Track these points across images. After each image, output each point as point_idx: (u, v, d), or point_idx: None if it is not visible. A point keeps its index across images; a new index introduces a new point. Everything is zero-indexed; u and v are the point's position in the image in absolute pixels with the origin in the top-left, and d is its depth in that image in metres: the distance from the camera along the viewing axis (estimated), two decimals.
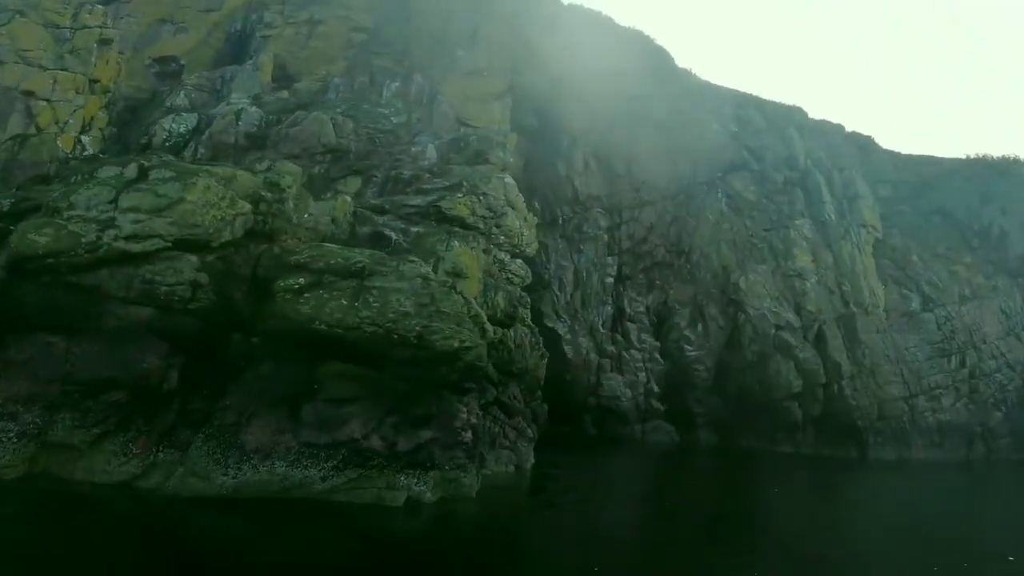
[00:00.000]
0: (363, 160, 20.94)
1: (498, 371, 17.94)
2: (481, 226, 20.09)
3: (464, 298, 16.52)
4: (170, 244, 14.99)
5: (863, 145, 48.18)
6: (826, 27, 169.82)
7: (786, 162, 40.58)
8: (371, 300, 14.65)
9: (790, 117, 44.18)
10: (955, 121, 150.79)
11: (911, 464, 35.32)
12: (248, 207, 16.11)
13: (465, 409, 14.70)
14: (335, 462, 13.74)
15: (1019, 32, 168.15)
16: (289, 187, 16.82)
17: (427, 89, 35.29)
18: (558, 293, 37.96)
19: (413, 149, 21.43)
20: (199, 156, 21.91)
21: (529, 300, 20.20)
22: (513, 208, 21.80)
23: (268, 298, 14.97)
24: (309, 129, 22.04)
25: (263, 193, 16.50)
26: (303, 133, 21.89)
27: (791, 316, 36.86)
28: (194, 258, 15.13)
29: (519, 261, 20.91)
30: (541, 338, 19.97)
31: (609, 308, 38.08)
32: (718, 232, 38.38)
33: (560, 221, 39.87)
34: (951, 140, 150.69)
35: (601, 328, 37.75)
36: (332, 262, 15.80)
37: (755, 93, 44.71)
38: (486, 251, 19.41)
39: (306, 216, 16.76)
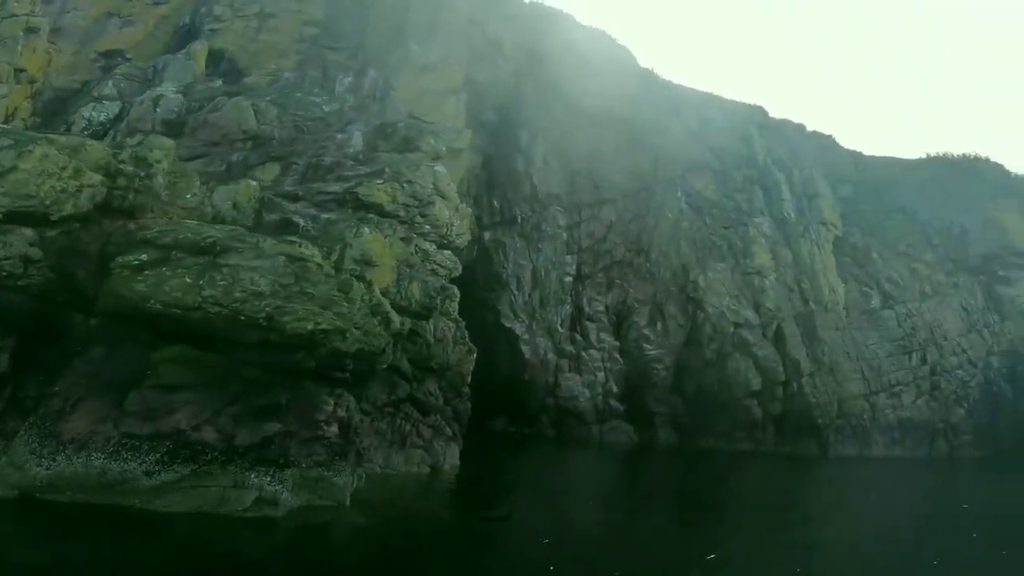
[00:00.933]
0: (286, 147, 19.26)
1: (413, 366, 16.30)
2: (402, 214, 18.53)
3: (366, 286, 14.85)
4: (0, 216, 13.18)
5: (824, 145, 47.06)
6: (788, 27, 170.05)
7: (746, 161, 39.34)
8: (218, 278, 12.89)
9: (751, 117, 43.00)
10: (917, 121, 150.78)
11: (872, 461, 33.89)
12: (98, 179, 14.30)
13: (332, 401, 12.86)
14: (159, 455, 11.90)
15: (980, 31, 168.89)
16: (158, 162, 15.06)
17: (380, 84, 33.59)
18: (516, 292, 36.37)
19: (339, 136, 19.79)
20: None
21: (457, 293, 18.56)
22: (444, 198, 20.25)
23: (107, 275, 13.17)
24: (229, 115, 20.39)
25: (122, 166, 14.73)
26: (222, 119, 20.23)
27: (750, 314, 35.50)
28: (29, 232, 13.36)
29: (447, 252, 19.34)
30: (467, 332, 18.26)
31: (568, 307, 36.54)
32: (678, 230, 36.98)
33: (519, 219, 38.33)
34: (912, 140, 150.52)
35: (560, 328, 36.18)
36: (181, 237, 13.98)
37: (717, 93, 43.52)
38: (405, 240, 17.84)
39: (188, 196, 15.04)
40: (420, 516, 13.69)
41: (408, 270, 17.29)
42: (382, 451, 15.48)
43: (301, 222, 16.84)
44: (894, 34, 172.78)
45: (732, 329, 35.18)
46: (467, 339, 18.30)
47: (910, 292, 41.92)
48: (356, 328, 13.57)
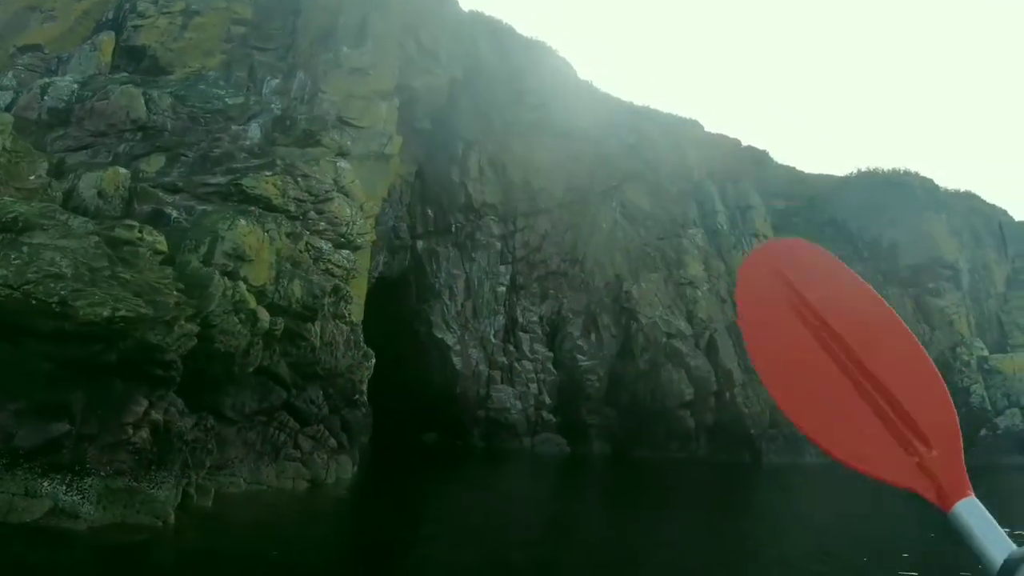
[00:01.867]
0: (178, 138, 17.54)
1: (294, 371, 14.63)
2: (292, 209, 16.97)
3: (227, 280, 13.17)
4: None
5: (758, 159, 46.79)
6: (726, 44, 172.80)
7: (681, 173, 38.42)
8: (13, 257, 11.06)
9: (686, 130, 42.33)
10: (850, 135, 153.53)
11: (804, 469, 33.01)
12: None
13: (146, 403, 11.07)
14: None
15: (909, 48, 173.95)
16: None
17: (308, 86, 31.88)
18: (448, 303, 34.90)
19: (234, 128, 18.15)
20: None
21: (351, 294, 16.92)
22: (346, 195, 18.69)
23: None
24: (117, 103, 18.62)
25: None
26: (110, 107, 18.45)
27: (683, 324, 34.57)
28: None
29: (345, 252, 17.79)
30: (357, 337, 16.61)
31: (501, 318, 35.15)
32: (612, 240, 35.98)
33: (453, 228, 36.80)
34: (845, 154, 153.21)
35: (493, 338, 34.75)
36: None
37: (653, 107, 42.71)
38: (293, 236, 16.20)
39: (32, 178, 13.25)
40: (266, 537, 11.79)
41: (291, 268, 15.68)
42: (249, 464, 13.74)
43: (174, 213, 15.15)
44: (829, 50, 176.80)
45: (665, 339, 34.19)
46: (362, 344, 16.68)
47: None
48: (188, 321, 11.84)
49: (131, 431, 10.61)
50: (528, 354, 34.99)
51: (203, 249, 14.00)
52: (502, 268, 36.54)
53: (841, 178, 50.59)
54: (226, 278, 13.44)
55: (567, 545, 13.00)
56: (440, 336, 34.51)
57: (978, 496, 1.06)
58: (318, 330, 15.62)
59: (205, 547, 10.83)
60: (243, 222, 14.84)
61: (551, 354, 35.42)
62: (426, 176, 38.14)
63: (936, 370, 1.04)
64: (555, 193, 38.00)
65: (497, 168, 38.62)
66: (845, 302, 1.14)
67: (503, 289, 36.05)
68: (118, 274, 11.32)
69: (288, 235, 16.25)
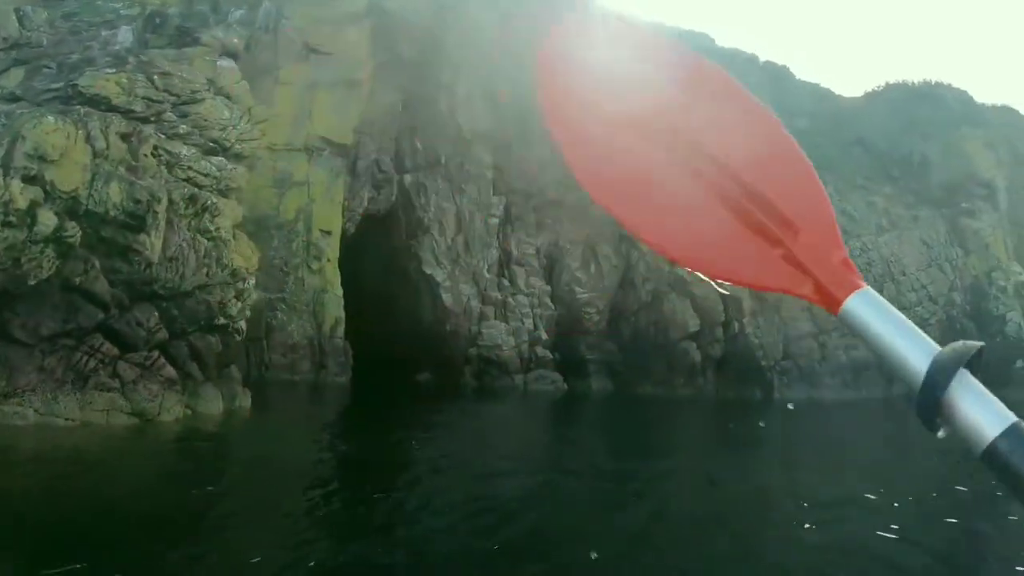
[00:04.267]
0: (48, 51, 14.33)
1: (121, 288, 11.47)
2: (138, 109, 13.60)
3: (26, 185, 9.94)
4: None
5: (778, 75, 41.69)
6: None
7: None
8: None
9: (696, 44, 36.99)
10: (876, 49, 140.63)
11: (820, 405, 29.01)
12: None
13: None
14: None
15: None
16: None
17: (273, 13, 28.14)
18: (438, 238, 31.53)
19: (104, 33, 14.83)
20: None
21: (218, 206, 13.62)
22: (228, 97, 15.24)
23: None
24: None
25: None
26: None
27: None
28: None
29: (217, 159, 14.40)
30: (220, 253, 13.24)
31: (495, 251, 31.66)
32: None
33: (442, 160, 33.01)
34: (872, 71, 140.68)
35: (486, 273, 31.29)
36: None
37: (658, 20, 37.72)
38: (128, 137, 12.85)
39: None
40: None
41: (111, 171, 12.41)
42: (43, 393, 10.77)
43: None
44: None
45: (668, 267, 30.10)
46: (226, 261, 13.41)
47: (867, 226, 36.74)
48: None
49: None
50: (523, 288, 31.50)
51: (2, 152, 10.91)
52: (495, 199, 32.87)
53: (868, 93, 44.77)
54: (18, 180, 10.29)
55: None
56: (430, 272, 31.29)
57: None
58: (156, 243, 12.41)
59: None
60: (50, 120, 11.68)
61: (548, 288, 31.88)
62: (413, 107, 34.35)
63: (790, 137, 0.84)
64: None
65: (488, 94, 34.45)
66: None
67: (496, 221, 32.45)
68: None
69: (122, 136, 13.00)
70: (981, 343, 0.68)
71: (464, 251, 32.32)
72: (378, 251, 34.10)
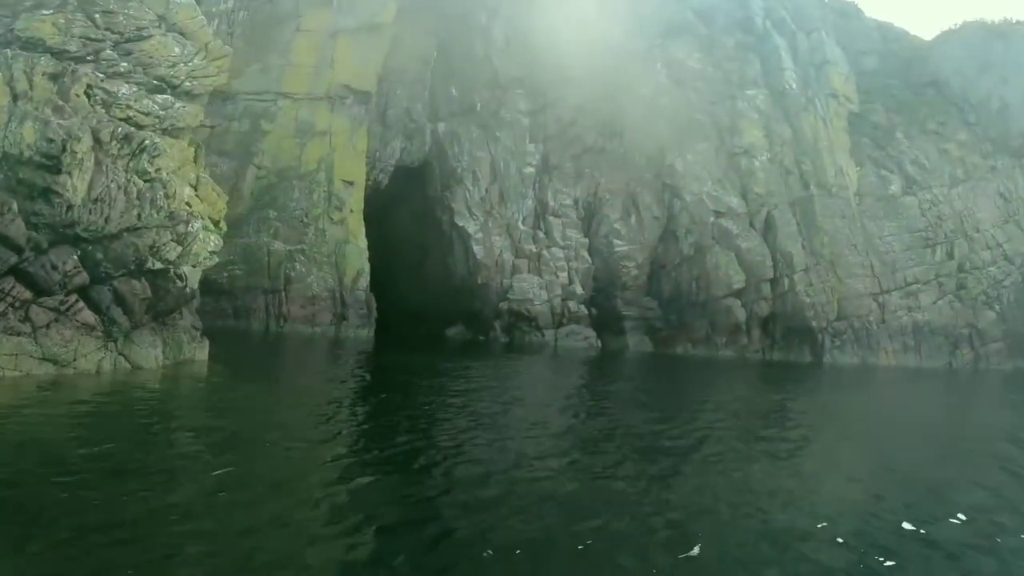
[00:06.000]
0: None
1: (39, 231, 9.60)
2: (75, 48, 11.66)
3: None
4: None
5: (845, 11, 37.10)
6: None
7: (739, 24, 30.06)
8: None
9: None
10: None
11: (875, 370, 25.74)
12: None
13: None
14: None
15: None
16: None
17: None
18: (471, 188, 29.35)
19: None
20: None
21: (159, 146, 11.57)
22: (182, 33, 13.11)
23: None
24: None
25: None
26: None
27: (735, 201, 27.47)
28: None
29: (163, 97, 12.50)
30: (155, 194, 11.14)
31: (530, 202, 29.24)
32: (655, 108, 28.73)
33: (477, 107, 30.46)
34: (948, 11, 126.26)
35: (521, 224, 28.90)
36: None
37: None
38: (61, 77, 10.90)
39: None
40: None
41: (31, 111, 10.45)
42: None
43: None
44: None
45: (712, 218, 27.11)
46: (161, 202, 11.37)
47: (938, 176, 32.50)
48: None
49: None
50: (559, 241, 28.99)
51: None
52: (530, 147, 30.21)
53: (943, 32, 39.54)
54: None
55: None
56: (462, 224, 29.14)
57: None
58: (79, 184, 10.51)
59: None
60: None
61: (586, 240, 29.31)
62: (449, 53, 31.72)
63: None
64: (589, 59, 30.49)
65: (523, 38, 31.47)
66: None
67: (531, 170, 29.85)
68: None
69: (51, 76, 11.07)
70: None
71: (498, 202, 29.91)
72: (412, 203, 32.08)
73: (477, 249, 28.77)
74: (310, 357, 19.19)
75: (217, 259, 15.26)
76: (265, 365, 16.22)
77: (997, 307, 31.68)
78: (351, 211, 25.78)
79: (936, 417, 16.80)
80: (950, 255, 31.69)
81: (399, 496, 6.54)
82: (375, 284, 26.67)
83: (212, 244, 14.27)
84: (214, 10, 28.07)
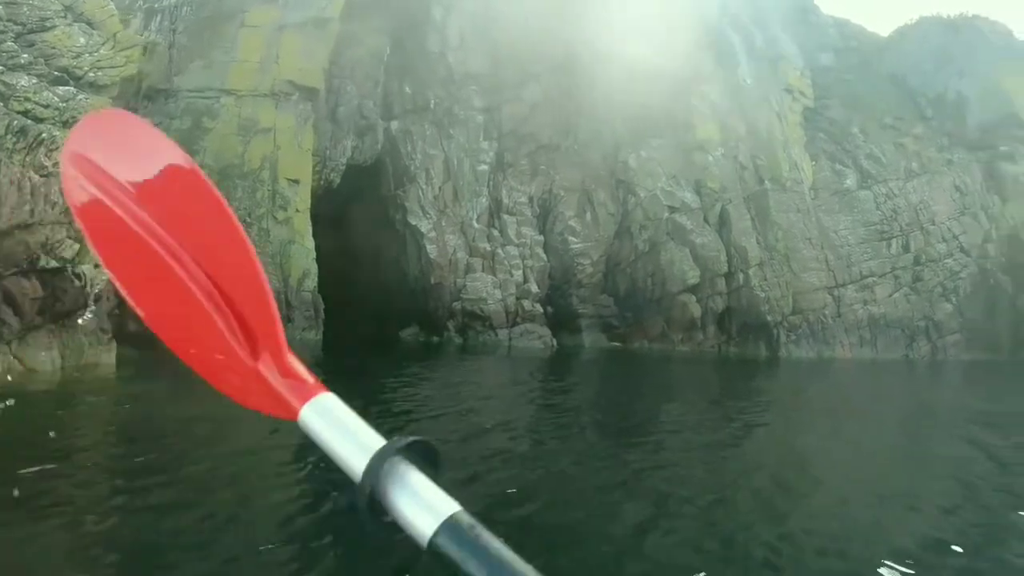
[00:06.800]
0: None
1: None
2: None
3: None
4: None
5: (802, 8, 36.56)
6: None
7: (697, 20, 29.24)
8: None
9: None
10: None
11: (831, 364, 25.30)
12: None
13: None
14: None
15: None
16: None
17: None
18: (424, 186, 28.41)
19: None
20: None
21: (57, 139, 10.83)
22: (89, 23, 12.33)
23: None
24: None
25: None
26: None
27: (689, 196, 26.88)
28: None
29: (64, 89, 11.60)
30: (49, 190, 10.28)
31: (484, 200, 28.50)
32: (610, 105, 27.88)
33: (432, 104, 29.60)
34: (905, 9, 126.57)
35: (475, 223, 28.05)
36: None
37: None
38: None
39: None
40: None
41: None
42: None
43: None
44: None
45: (666, 215, 26.46)
46: (63, 201, 10.61)
47: (894, 170, 32.27)
48: None
49: None
50: (514, 239, 28.28)
51: None
52: (484, 144, 29.48)
53: (900, 28, 39.43)
54: None
55: None
56: (415, 223, 28.31)
57: None
58: None
59: None
60: None
61: (541, 238, 28.60)
62: (404, 50, 30.90)
63: (250, 249, 0.75)
64: (546, 56, 29.89)
65: (481, 33, 30.77)
66: (156, 180, 0.81)
67: (486, 168, 29.13)
68: None
69: None
70: (418, 437, 0.64)
71: (452, 200, 29.16)
72: (366, 203, 31.21)
73: (430, 248, 28.00)
74: None
75: None
76: (186, 374, 15.29)
77: (954, 299, 31.47)
78: (297, 211, 24.86)
79: (911, 404, 16.30)
80: (906, 248, 31.44)
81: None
82: (331, 286, 25.78)
83: None
84: (156, 6, 27.18)
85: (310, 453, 7.39)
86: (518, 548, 0.61)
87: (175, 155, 0.84)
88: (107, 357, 12.16)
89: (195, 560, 4.50)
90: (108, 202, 0.83)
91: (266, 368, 0.71)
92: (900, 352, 28.73)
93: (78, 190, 0.85)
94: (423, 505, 0.61)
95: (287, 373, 0.70)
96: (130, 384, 11.77)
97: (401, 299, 29.05)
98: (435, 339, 27.73)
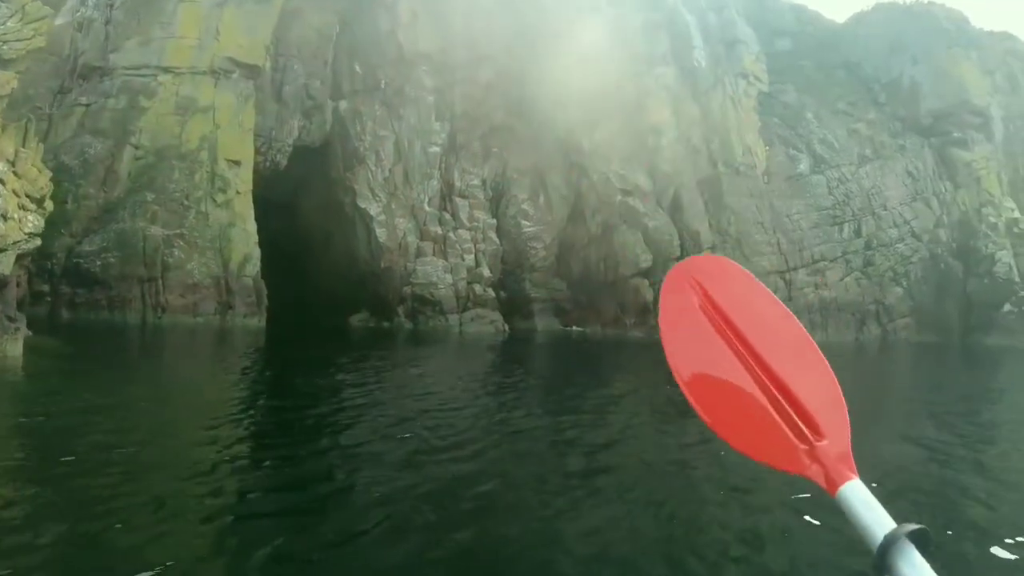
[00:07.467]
0: None
1: None
2: None
3: None
4: None
5: None
6: None
7: (650, 2, 28.63)
8: None
9: None
10: None
11: None
12: None
13: None
14: None
15: None
16: None
17: None
18: (374, 169, 27.46)
19: None
20: None
21: None
22: None
23: None
24: None
25: None
26: None
27: (641, 179, 26.38)
28: None
29: None
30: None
31: (436, 183, 27.63)
32: (564, 88, 27.14)
33: (382, 84, 28.59)
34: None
35: (426, 206, 27.22)
36: None
37: None
38: None
39: None
40: None
41: None
42: None
43: None
44: None
45: (619, 198, 25.97)
46: None
47: (847, 155, 32.20)
48: None
49: None
50: (466, 222, 27.59)
51: None
52: (436, 126, 28.66)
53: (856, 14, 39.33)
54: None
55: None
56: (364, 206, 27.38)
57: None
58: None
59: None
60: None
61: (493, 221, 27.93)
62: (354, 29, 29.84)
63: (829, 367, 0.98)
64: (500, 37, 29.08)
65: (433, 12, 29.82)
66: (753, 310, 1.08)
67: (437, 150, 28.32)
68: None
69: None
70: (922, 526, 0.79)
71: (403, 183, 28.31)
72: (314, 185, 30.20)
73: (380, 232, 27.16)
74: (172, 352, 17.22)
75: (39, 242, 13.38)
76: (106, 361, 14.30)
77: (904, 283, 31.62)
78: (238, 192, 23.83)
79: (879, 384, 16.01)
80: (857, 233, 31.46)
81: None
82: (280, 271, 24.84)
83: (31, 225, 12.46)
84: None
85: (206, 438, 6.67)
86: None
87: (767, 294, 1.06)
88: (13, 348, 11.22)
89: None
90: (704, 314, 1.05)
91: (821, 449, 0.91)
92: (851, 335, 28.76)
93: (681, 297, 1.08)
94: None
95: (838, 456, 0.90)
96: (33, 379, 10.84)
97: (350, 284, 28.18)
98: (385, 324, 26.94)
